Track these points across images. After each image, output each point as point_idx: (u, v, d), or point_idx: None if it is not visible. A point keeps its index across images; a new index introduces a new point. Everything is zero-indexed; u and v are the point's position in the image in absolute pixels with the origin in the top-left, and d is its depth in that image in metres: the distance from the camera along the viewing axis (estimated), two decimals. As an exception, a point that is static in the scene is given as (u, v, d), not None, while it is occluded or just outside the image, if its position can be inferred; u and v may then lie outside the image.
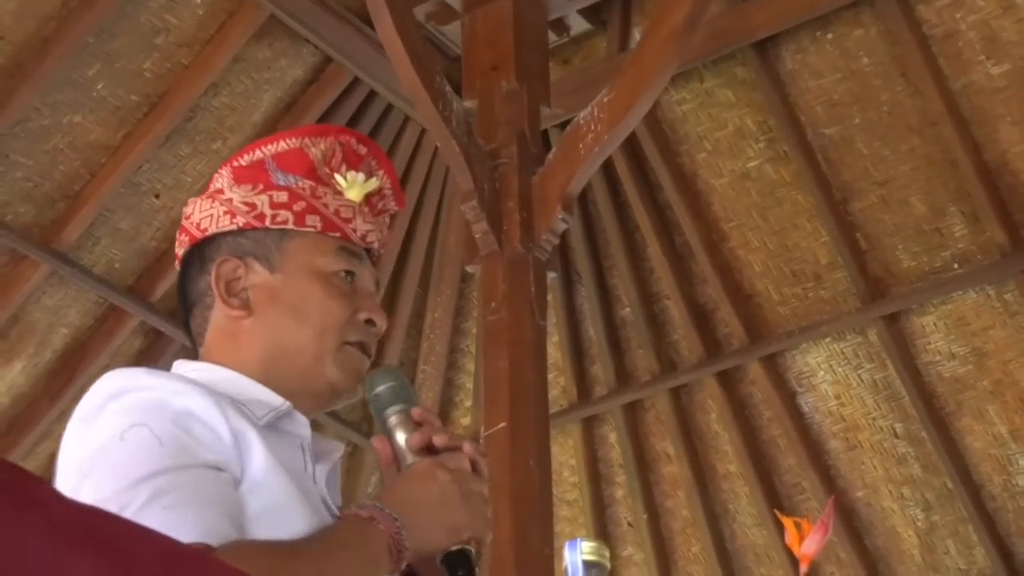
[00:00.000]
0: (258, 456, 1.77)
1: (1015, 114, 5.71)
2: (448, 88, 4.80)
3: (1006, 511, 6.22)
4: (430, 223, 6.56)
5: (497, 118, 5.10)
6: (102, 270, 5.96)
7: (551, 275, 4.98)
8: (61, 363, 6.07)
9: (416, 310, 6.82)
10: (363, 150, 2.10)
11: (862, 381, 6.36)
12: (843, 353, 6.36)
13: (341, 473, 2.11)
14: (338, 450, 1.98)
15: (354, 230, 2.01)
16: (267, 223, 1.99)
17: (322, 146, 2.05)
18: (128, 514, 1.62)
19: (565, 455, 6.94)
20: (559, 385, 6.74)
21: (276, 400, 1.88)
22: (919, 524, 6.38)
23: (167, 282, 6.04)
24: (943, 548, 6.37)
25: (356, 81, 5.96)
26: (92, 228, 5.86)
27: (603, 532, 6.85)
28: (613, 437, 6.88)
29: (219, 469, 1.74)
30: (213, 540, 1.63)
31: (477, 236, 4.85)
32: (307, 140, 2.06)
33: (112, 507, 1.62)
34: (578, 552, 2.12)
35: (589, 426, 6.90)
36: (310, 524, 1.77)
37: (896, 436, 6.35)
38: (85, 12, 5.35)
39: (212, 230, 2.01)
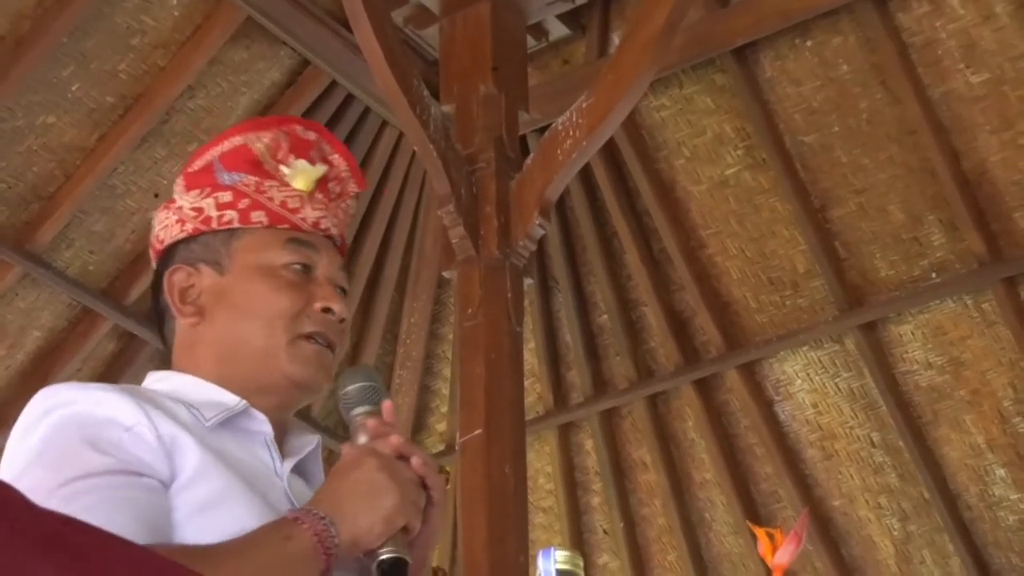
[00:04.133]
0: (191, 455, 1.77)
1: (994, 123, 5.72)
2: (426, 92, 4.78)
3: (982, 521, 6.22)
4: (407, 228, 6.54)
5: (475, 123, 5.09)
6: (76, 272, 5.92)
7: (528, 281, 4.97)
8: (34, 366, 6.03)
9: (392, 315, 6.79)
10: (311, 136, 2.08)
11: (839, 390, 6.36)
12: (820, 362, 6.36)
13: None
14: (310, 443, 1.97)
15: (303, 219, 2.00)
16: (214, 225, 1.99)
17: (266, 139, 2.04)
18: None
19: (541, 462, 6.92)
20: (535, 392, 6.73)
21: (231, 400, 1.89)
22: (895, 534, 6.38)
23: (141, 285, 6.00)
24: (919, 558, 6.37)
25: (334, 84, 5.94)
26: (66, 230, 5.82)
27: (579, 540, 6.84)
28: (589, 444, 6.86)
29: (139, 474, 1.73)
30: None
31: (454, 241, 4.84)
32: (251, 135, 2.05)
33: None
34: (552, 561, 2.12)
35: (565, 433, 6.88)
36: (259, 516, 1.76)
37: (873, 445, 6.35)
38: (60, 12, 5.31)
39: (168, 241, 2.03)
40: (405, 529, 1.78)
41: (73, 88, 5.56)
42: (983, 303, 6.01)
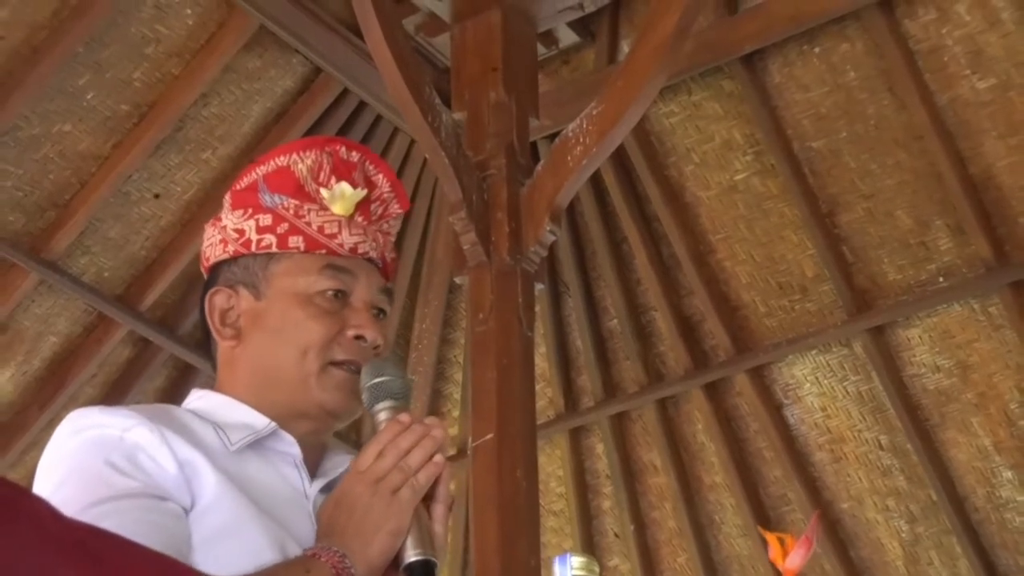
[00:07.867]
0: (207, 481, 1.78)
1: (1000, 128, 5.74)
2: (437, 99, 4.80)
3: (990, 523, 6.24)
4: (418, 234, 6.57)
5: (486, 129, 5.11)
6: (91, 279, 5.96)
7: (539, 286, 4.98)
8: (50, 372, 6.07)
9: (404, 320, 6.82)
10: (354, 157, 2.08)
11: (848, 393, 6.38)
12: (829, 365, 6.38)
13: None
14: (342, 464, 1.97)
15: (340, 244, 1.99)
16: (253, 249, 1.99)
17: (309, 161, 2.04)
18: None
19: (552, 466, 6.94)
20: (546, 396, 6.75)
21: (260, 422, 1.90)
22: (903, 536, 6.40)
23: (156, 291, 6.04)
24: (927, 560, 6.39)
25: (346, 92, 5.97)
26: (82, 237, 5.86)
27: (589, 543, 6.86)
28: (600, 448, 6.89)
29: (163, 499, 1.75)
30: None
31: (465, 247, 4.86)
32: (295, 156, 2.04)
33: None
34: (568, 567, 2.11)
35: (576, 437, 6.90)
36: (273, 543, 1.78)
37: (881, 448, 6.37)
38: (75, 21, 5.35)
39: (213, 260, 2.04)
40: (417, 514, 1.81)
41: (88, 96, 5.60)
42: (990, 307, 6.03)
